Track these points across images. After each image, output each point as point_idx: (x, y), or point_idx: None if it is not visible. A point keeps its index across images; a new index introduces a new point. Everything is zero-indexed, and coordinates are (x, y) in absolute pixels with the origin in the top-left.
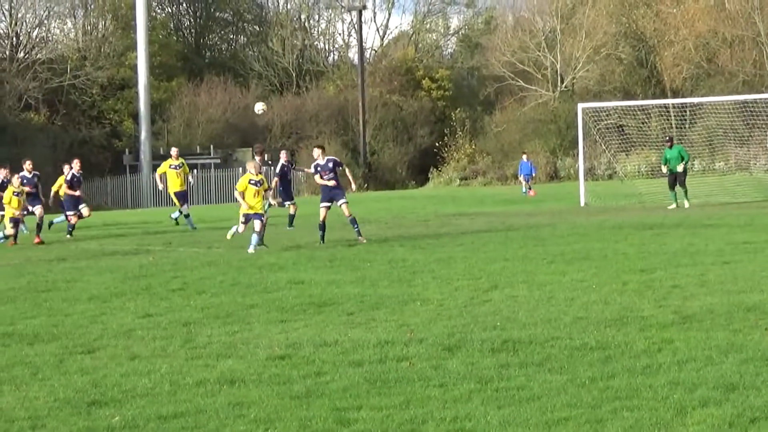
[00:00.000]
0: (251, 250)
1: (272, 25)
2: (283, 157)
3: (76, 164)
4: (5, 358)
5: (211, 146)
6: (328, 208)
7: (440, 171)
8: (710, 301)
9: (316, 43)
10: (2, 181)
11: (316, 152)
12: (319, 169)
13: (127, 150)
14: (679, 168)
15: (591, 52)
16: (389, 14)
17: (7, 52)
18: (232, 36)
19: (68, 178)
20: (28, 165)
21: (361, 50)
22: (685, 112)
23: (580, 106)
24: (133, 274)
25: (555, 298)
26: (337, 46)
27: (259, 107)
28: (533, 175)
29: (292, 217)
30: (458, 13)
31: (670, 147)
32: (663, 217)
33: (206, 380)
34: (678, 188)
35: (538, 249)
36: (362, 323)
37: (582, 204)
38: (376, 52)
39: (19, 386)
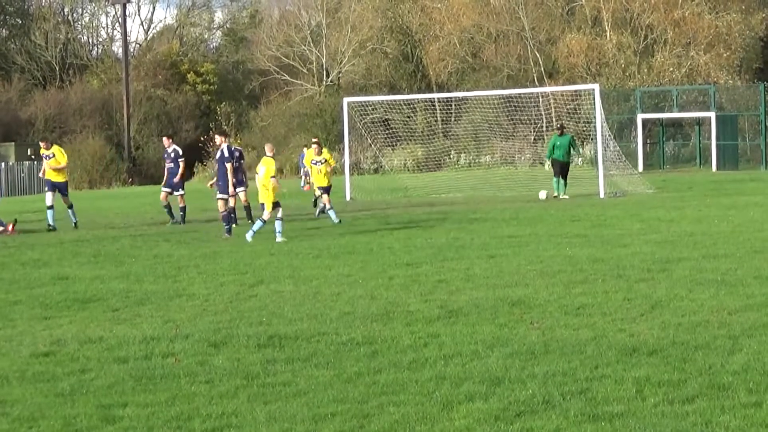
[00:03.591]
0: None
1: (35, 18)
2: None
3: None
4: None
5: None
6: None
7: (205, 165)
8: (476, 295)
9: (79, 36)
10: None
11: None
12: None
13: None
14: (576, 159)
15: (357, 47)
16: (153, 8)
17: None
18: None
19: None
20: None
21: (126, 44)
22: (451, 106)
23: (346, 100)
24: None
25: (321, 293)
26: (101, 39)
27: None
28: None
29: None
30: (223, 7)
31: (561, 135)
32: (429, 211)
33: None
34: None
35: (304, 243)
36: (127, 319)
37: (348, 198)
38: (140, 45)
39: None
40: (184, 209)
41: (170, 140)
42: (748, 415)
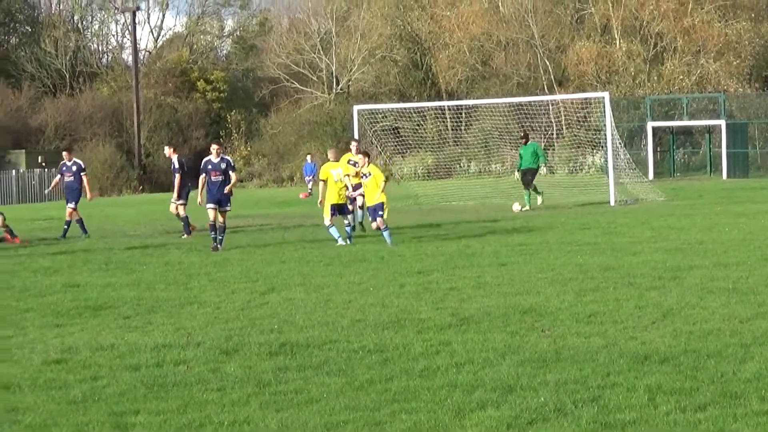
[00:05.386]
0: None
1: (45, 25)
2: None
3: None
4: None
5: None
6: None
7: None
8: (487, 303)
9: (89, 44)
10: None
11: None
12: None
13: None
14: (542, 170)
15: (366, 54)
16: (163, 16)
17: None
18: (3, 36)
19: None
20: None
21: (135, 52)
22: (461, 114)
23: (356, 108)
24: None
25: (332, 300)
26: (110, 47)
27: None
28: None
29: None
30: (233, 15)
31: (525, 144)
32: (439, 219)
33: None
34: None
35: (315, 251)
36: (139, 327)
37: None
38: (150, 53)
39: None
40: (80, 221)
41: (70, 154)
42: (761, 423)
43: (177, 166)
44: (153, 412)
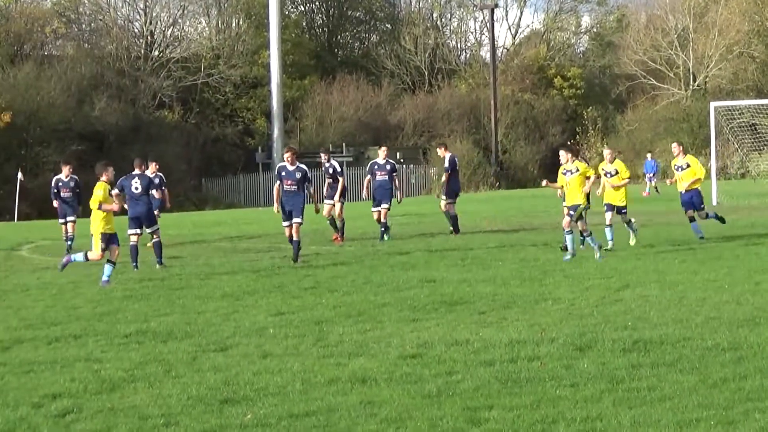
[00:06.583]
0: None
1: (404, 23)
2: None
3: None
4: (139, 355)
5: (344, 144)
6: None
7: None
8: None
9: (448, 41)
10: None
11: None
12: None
13: (259, 148)
14: None
15: (723, 51)
16: (521, 12)
17: (142, 51)
18: (364, 34)
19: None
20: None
21: (493, 48)
22: None
23: (713, 104)
24: (266, 273)
25: (686, 298)
26: (469, 44)
27: None
28: (654, 174)
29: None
30: (590, 12)
31: None
32: None
33: (338, 379)
34: None
35: (669, 248)
36: (493, 322)
37: (714, 203)
38: (508, 50)
39: (153, 383)
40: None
41: (387, 152)
42: None
43: (447, 165)
44: (506, 408)
